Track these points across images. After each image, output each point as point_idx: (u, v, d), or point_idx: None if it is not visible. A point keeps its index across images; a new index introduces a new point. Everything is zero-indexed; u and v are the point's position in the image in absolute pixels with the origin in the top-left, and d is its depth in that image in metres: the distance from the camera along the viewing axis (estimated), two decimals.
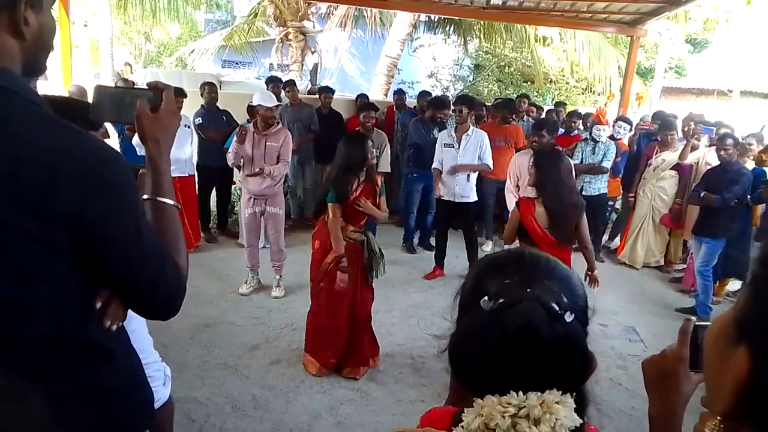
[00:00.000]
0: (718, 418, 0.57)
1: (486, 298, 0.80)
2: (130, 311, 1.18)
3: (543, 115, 7.68)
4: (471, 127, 5.66)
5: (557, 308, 0.78)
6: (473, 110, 5.86)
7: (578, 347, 0.80)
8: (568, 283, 0.85)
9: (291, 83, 7.18)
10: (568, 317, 0.78)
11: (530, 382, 0.76)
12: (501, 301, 0.78)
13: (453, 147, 5.63)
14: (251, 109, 6.23)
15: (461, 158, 5.58)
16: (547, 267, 0.86)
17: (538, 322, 0.76)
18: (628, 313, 5.14)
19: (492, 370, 0.78)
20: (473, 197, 5.74)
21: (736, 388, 0.52)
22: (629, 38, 8.39)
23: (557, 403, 0.75)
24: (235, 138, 5.00)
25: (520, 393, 0.75)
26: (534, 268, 0.85)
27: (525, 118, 7.50)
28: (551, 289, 0.80)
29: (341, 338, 3.71)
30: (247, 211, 5.05)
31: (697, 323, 0.96)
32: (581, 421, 0.77)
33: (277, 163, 4.96)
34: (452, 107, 5.84)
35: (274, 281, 5.09)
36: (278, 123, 5.11)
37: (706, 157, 6.03)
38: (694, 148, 6.07)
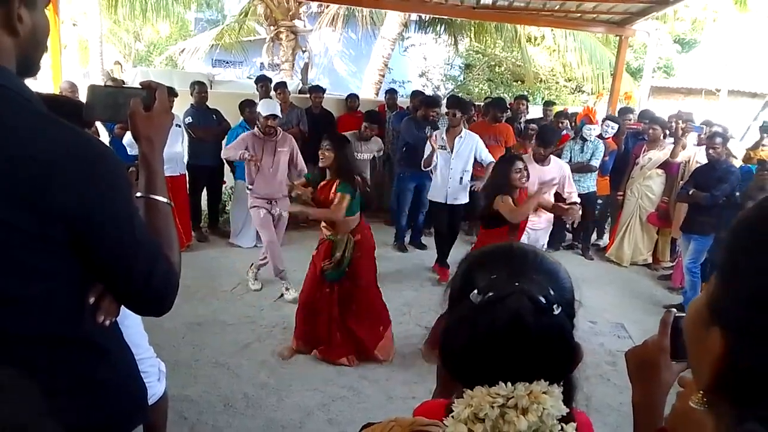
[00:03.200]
0: (701, 392, 0.60)
1: (475, 291, 0.81)
2: (123, 307, 1.19)
3: (525, 112, 7.72)
4: (463, 130, 5.70)
5: (545, 301, 0.79)
6: (466, 114, 5.91)
7: (565, 339, 0.82)
8: (555, 277, 0.86)
9: (282, 85, 7.14)
10: (555, 310, 0.80)
11: (518, 373, 0.78)
12: (490, 294, 0.80)
13: (445, 149, 5.64)
14: (243, 108, 6.23)
15: (454, 161, 5.61)
16: (535, 261, 0.88)
17: (526, 314, 0.78)
18: (616, 310, 5.19)
19: (481, 361, 0.80)
20: (464, 199, 5.76)
21: (714, 367, 0.56)
22: (618, 38, 8.45)
23: (544, 393, 0.77)
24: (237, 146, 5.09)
25: (509, 384, 0.77)
26: (522, 261, 0.87)
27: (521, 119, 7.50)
28: (539, 283, 0.82)
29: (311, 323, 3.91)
30: (261, 211, 5.01)
31: (677, 314, 0.99)
32: (567, 410, 0.79)
33: (290, 169, 5.12)
34: (445, 109, 5.87)
35: (252, 274, 5.15)
36: (280, 128, 5.16)
37: (696, 155, 6.09)
38: (683, 146, 6.13)
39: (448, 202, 5.69)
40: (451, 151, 5.61)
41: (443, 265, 5.80)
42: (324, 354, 3.87)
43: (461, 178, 5.67)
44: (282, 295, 4.95)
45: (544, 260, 0.89)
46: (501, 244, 0.95)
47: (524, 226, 4.09)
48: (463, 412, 0.77)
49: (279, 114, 4.98)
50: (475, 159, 5.70)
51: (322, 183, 3.86)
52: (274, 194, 5.05)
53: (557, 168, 4.98)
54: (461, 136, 5.62)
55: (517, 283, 0.81)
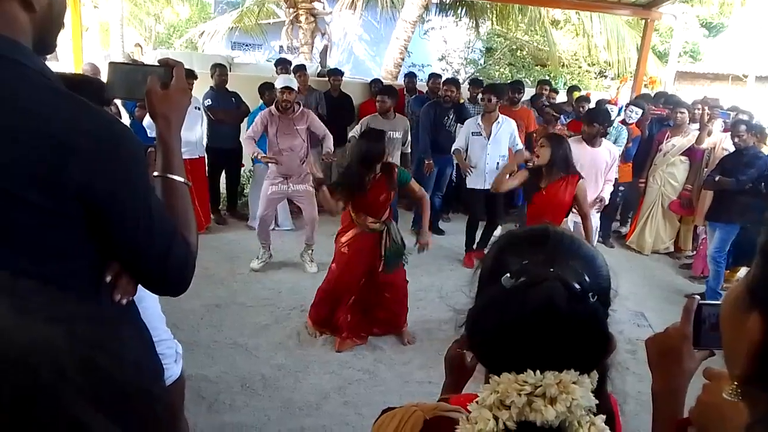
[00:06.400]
0: (735, 383, 0.58)
1: (507, 275, 0.78)
2: (141, 287, 1.19)
3: (555, 98, 7.64)
4: (500, 116, 5.65)
5: (579, 288, 0.76)
6: (501, 99, 5.87)
7: (598, 328, 0.79)
8: (592, 264, 0.83)
9: (301, 68, 7.11)
10: (591, 298, 0.77)
11: (548, 361, 0.75)
12: (522, 278, 0.77)
13: (481, 135, 5.62)
14: (263, 91, 6.22)
15: (491, 146, 5.59)
16: (572, 246, 0.84)
17: (559, 301, 0.75)
18: (637, 298, 5.13)
19: (510, 347, 0.78)
20: None
21: (751, 354, 0.53)
22: (644, 21, 8.27)
23: (574, 383, 0.74)
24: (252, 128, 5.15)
25: (537, 372, 0.74)
26: (558, 246, 0.83)
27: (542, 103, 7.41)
28: (575, 269, 0.78)
29: (330, 305, 3.93)
30: (272, 187, 5.08)
31: (701, 302, 0.96)
32: (597, 402, 0.76)
33: (315, 145, 5.19)
34: (480, 95, 5.84)
35: (307, 257, 5.20)
36: (299, 105, 5.14)
37: (723, 142, 5.95)
38: (709, 133, 6.00)
39: (488, 189, 5.68)
40: (488, 138, 5.59)
41: (470, 250, 5.82)
42: (341, 345, 3.87)
43: (498, 163, 5.64)
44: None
45: (581, 246, 0.85)
46: (536, 227, 0.90)
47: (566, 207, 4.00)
48: (489, 398, 0.75)
49: (294, 86, 4.98)
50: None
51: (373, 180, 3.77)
52: (290, 172, 5.07)
53: (606, 151, 4.85)
54: (498, 122, 5.60)
55: (551, 269, 0.77)
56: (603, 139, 4.91)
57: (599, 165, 4.77)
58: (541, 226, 0.89)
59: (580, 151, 4.62)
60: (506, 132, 5.61)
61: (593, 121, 4.78)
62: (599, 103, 6.64)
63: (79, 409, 0.32)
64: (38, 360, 0.32)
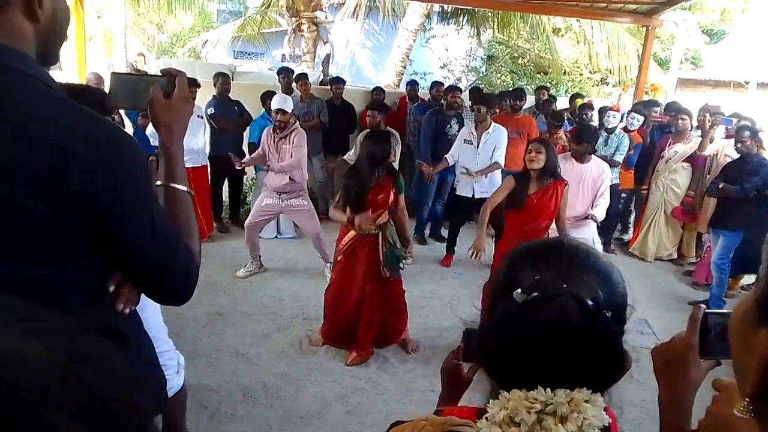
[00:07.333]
0: (746, 399, 0.57)
1: (519, 290, 0.77)
2: (143, 297, 1.19)
3: (555, 105, 7.63)
4: (492, 125, 5.71)
5: (593, 305, 0.74)
6: (491, 108, 5.93)
7: (612, 346, 0.77)
8: (607, 279, 0.81)
9: (303, 76, 7.14)
10: (605, 315, 0.75)
11: (560, 378, 0.74)
12: (535, 294, 0.76)
13: (472, 144, 5.70)
14: (264, 100, 6.26)
15: (480, 155, 5.65)
16: (587, 261, 0.82)
17: (572, 318, 0.73)
18: (640, 305, 5.03)
19: (521, 363, 0.76)
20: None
21: (762, 370, 0.52)
22: (645, 28, 8.28)
23: (586, 401, 0.72)
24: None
25: (548, 389, 0.73)
26: (572, 260, 0.81)
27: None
28: (589, 285, 0.77)
29: (342, 318, 3.89)
30: (267, 199, 5.11)
31: (707, 311, 0.96)
32: (609, 421, 0.75)
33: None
34: (471, 105, 5.92)
35: (326, 269, 5.16)
36: (294, 123, 5.14)
37: (725, 149, 5.94)
38: (711, 140, 6.00)
39: (476, 197, 5.70)
40: (477, 146, 5.64)
41: (450, 251, 5.98)
42: (353, 360, 3.80)
43: (487, 174, 5.70)
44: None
45: (597, 260, 0.83)
46: (551, 240, 0.90)
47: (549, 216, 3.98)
48: (498, 414, 0.73)
49: (286, 108, 4.97)
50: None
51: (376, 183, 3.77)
52: (279, 188, 5.07)
53: (597, 170, 4.80)
54: (489, 132, 5.66)
55: (565, 285, 0.76)
56: (593, 155, 4.92)
57: (587, 180, 4.76)
58: (556, 239, 0.87)
59: (567, 168, 4.58)
60: (492, 141, 5.67)
61: (582, 140, 4.82)
62: (602, 110, 6.64)
63: (62, 427, 0.31)
64: (15, 375, 0.31)
